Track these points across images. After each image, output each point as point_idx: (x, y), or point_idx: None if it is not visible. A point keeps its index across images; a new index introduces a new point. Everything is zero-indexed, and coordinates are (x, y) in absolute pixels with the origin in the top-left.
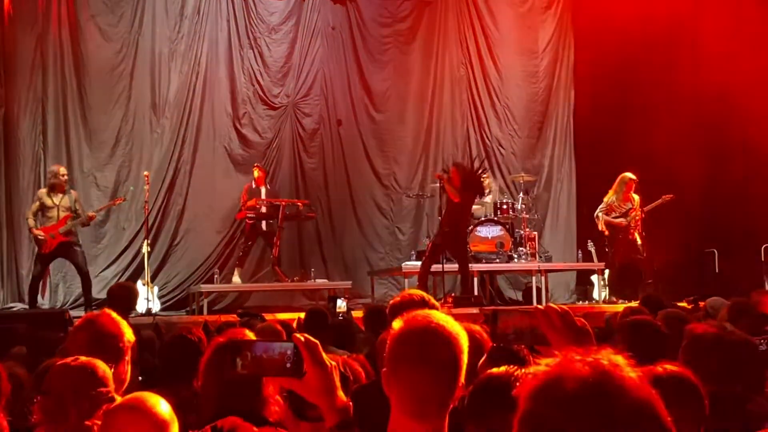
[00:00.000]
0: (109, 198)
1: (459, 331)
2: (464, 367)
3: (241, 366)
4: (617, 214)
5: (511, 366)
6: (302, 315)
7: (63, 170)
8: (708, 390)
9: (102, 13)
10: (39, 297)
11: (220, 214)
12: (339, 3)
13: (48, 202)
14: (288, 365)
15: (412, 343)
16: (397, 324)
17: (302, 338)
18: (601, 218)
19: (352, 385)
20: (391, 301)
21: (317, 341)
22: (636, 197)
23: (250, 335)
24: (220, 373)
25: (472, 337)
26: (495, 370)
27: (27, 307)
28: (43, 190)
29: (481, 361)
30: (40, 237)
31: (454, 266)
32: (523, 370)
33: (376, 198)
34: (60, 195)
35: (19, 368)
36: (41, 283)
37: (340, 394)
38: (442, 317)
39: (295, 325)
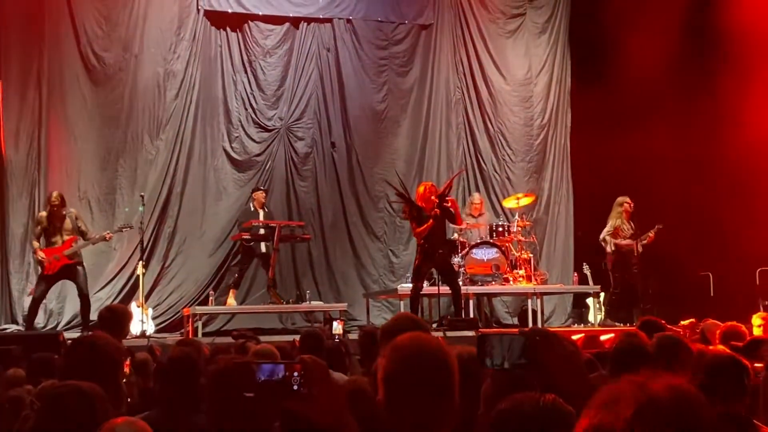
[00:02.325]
0: (105, 219)
1: (447, 352)
2: (457, 386)
3: (248, 389)
4: (625, 237)
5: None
6: (297, 337)
7: (55, 195)
8: (721, 411)
9: (98, 37)
10: None
11: (211, 236)
12: (335, 26)
13: (48, 226)
14: (295, 387)
15: (409, 375)
16: (388, 352)
17: (309, 359)
18: (608, 241)
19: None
20: (383, 325)
21: (324, 362)
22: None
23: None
24: (228, 396)
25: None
26: (519, 395)
27: (21, 328)
28: (43, 213)
29: (484, 386)
30: (41, 260)
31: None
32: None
33: (369, 221)
34: (60, 218)
35: (20, 388)
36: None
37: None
38: (431, 341)
39: (291, 347)
